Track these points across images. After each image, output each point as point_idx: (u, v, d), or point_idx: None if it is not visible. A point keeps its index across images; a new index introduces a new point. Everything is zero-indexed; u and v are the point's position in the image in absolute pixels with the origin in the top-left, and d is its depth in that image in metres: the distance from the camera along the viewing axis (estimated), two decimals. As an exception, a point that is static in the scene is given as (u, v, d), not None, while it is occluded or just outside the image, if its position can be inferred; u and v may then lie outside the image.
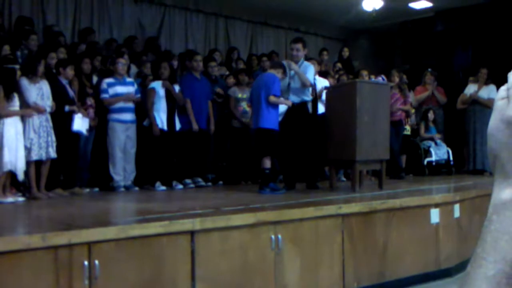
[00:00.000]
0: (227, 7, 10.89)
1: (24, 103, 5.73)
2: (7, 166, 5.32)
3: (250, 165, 8.05)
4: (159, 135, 6.91)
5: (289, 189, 6.29)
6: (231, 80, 8.26)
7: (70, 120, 6.26)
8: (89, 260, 3.05)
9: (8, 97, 5.46)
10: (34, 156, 5.68)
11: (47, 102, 5.89)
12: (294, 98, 6.28)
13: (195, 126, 7.29)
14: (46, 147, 5.78)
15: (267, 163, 6.01)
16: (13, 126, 5.45)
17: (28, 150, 5.63)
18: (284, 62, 6.39)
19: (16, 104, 5.56)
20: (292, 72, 6.25)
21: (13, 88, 5.54)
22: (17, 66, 5.73)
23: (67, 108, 6.23)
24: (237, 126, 7.96)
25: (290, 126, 6.24)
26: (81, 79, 6.77)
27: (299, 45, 6.35)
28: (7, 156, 5.30)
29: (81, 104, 6.61)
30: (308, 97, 6.43)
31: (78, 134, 6.41)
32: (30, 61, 5.97)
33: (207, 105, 7.58)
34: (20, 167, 5.43)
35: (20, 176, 5.51)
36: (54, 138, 5.89)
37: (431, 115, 9.54)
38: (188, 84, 7.41)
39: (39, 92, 5.82)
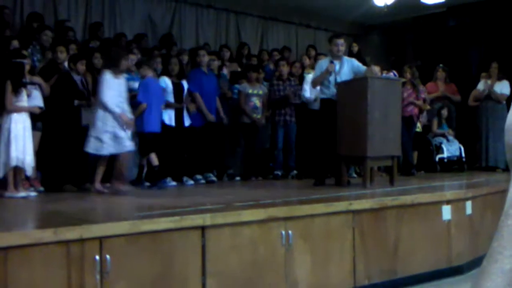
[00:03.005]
0: (237, 3, 10.86)
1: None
2: (14, 162, 5.32)
3: (260, 160, 8.07)
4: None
5: (320, 184, 6.27)
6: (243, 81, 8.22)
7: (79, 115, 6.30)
8: (101, 255, 3.06)
9: (16, 92, 5.44)
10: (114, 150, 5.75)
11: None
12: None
13: (210, 117, 7.32)
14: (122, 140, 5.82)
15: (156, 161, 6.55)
16: (21, 121, 5.43)
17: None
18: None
19: (24, 99, 5.53)
20: (337, 67, 6.27)
21: (21, 83, 5.53)
22: (26, 61, 5.71)
23: (76, 102, 6.25)
24: (247, 122, 7.95)
25: (328, 120, 6.19)
26: (94, 74, 6.79)
27: (342, 40, 6.42)
28: (14, 152, 5.31)
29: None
30: None
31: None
32: None
33: (216, 100, 7.61)
34: (28, 162, 5.42)
35: (29, 172, 5.50)
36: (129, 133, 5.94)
37: (444, 112, 9.49)
38: (197, 79, 7.42)
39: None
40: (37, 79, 6.04)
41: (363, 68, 6.37)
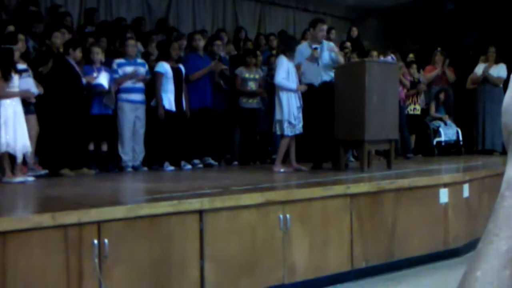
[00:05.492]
0: (234, -13, 10.82)
1: None
2: (4, 148, 5.25)
3: (258, 145, 8.06)
4: (163, 119, 6.89)
5: (318, 168, 6.29)
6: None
7: (84, 101, 6.33)
8: (99, 239, 3.07)
9: (6, 78, 5.36)
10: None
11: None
12: (326, 77, 6.30)
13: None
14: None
15: None
16: (11, 107, 5.35)
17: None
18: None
19: (15, 85, 5.45)
20: (319, 52, 6.28)
21: (11, 69, 5.44)
22: (16, 46, 5.64)
23: (84, 80, 6.30)
24: (245, 107, 7.93)
25: (321, 104, 6.19)
26: (88, 59, 6.77)
27: (325, 26, 6.46)
28: (3, 138, 5.24)
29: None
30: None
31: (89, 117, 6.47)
32: None
33: (211, 84, 7.59)
34: (19, 148, 5.33)
35: (19, 159, 5.40)
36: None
37: (441, 96, 9.50)
38: (192, 62, 7.40)
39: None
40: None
41: (334, 47, 6.50)
